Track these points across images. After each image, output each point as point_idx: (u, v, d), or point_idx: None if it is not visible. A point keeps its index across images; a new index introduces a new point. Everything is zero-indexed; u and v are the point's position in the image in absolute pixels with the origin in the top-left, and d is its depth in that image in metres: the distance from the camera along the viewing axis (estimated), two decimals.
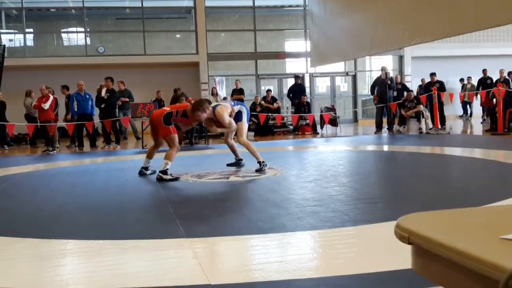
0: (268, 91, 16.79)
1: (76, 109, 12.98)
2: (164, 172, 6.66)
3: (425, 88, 14.88)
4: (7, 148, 13.60)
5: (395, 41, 12.42)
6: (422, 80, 17.20)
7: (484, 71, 16.49)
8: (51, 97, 12.37)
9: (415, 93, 15.54)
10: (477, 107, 18.04)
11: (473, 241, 1.19)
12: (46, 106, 12.14)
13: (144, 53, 19.18)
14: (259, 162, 7.06)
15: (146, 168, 7.34)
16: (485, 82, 16.15)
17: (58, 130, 13.50)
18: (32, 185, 7.23)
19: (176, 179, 6.64)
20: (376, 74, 16.38)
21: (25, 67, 17.85)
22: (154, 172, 7.21)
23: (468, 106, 17.86)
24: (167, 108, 7.19)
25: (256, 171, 6.99)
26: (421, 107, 13.66)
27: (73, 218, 4.65)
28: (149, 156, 7.43)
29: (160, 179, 6.59)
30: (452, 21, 9.88)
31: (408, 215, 1.45)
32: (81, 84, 13.06)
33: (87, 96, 13.09)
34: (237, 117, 7.25)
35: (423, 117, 13.55)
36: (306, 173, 6.95)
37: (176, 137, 6.98)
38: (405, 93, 15.08)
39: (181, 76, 18.87)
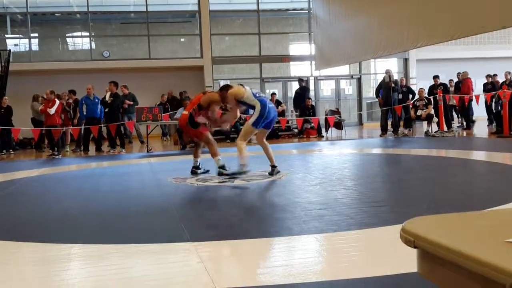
0: (273, 94, 16.78)
1: (85, 113, 13.04)
2: (223, 167, 6.99)
3: (429, 91, 14.86)
4: (12, 152, 13.65)
5: (400, 44, 12.40)
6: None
7: (458, 74, 16.38)
8: (57, 102, 12.43)
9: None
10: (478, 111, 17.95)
11: (478, 245, 1.19)
12: (52, 111, 12.19)
13: (149, 57, 19.23)
14: (242, 165, 6.68)
15: (197, 167, 7.47)
16: (457, 86, 16.06)
17: (65, 134, 13.55)
18: (38, 189, 7.25)
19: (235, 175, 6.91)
20: (381, 77, 16.37)
21: (30, 71, 17.91)
22: (207, 171, 7.36)
23: (453, 110, 17.68)
24: (186, 112, 7.31)
25: (232, 174, 6.75)
26: (432, 109, 13.64)
27: (78, 222, 4.66)
28: (195, 155, 7.58)
29: (221, 174, 6.96)
30: (457, 24, 9.86)
31: (413, 218, 1.44)
32: (89, 88, 13.11)
33: (96, 100, 13.14)
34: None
35: (432, 120, 13.54)
36: (311, 176, 6.94)
37: (208, 134, 7.23)
38: (410, 96, 15.08)
39: (185, 79, 18.90)
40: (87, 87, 13.17)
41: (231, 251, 3.53)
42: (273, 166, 7.00)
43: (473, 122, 15.80)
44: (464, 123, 15.79)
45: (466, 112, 15.68)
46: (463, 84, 15.32)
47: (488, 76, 16.19)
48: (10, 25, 20.11)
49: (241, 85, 7.11)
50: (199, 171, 7.45)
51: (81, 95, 13.47)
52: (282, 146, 12.83)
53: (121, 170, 8.95)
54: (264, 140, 6.99)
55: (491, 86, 15.90)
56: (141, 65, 19.00)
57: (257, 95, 6.78)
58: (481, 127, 15.78)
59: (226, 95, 6.89)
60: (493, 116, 14.51)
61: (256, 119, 6.66)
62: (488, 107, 16.02)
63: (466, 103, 15.50)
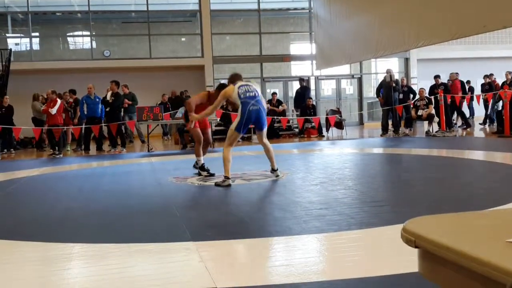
0: (274, 94, 16.79)
1: (86, 112, 13.07)
2: (202, 167, 7.35)
3: (430, 91, 14.85)
4: (13, 151, 13.65)
5: (401, 44, 12.40)
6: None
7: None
8: (59, 102, 12.44)
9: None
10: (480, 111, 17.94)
11: (480, 245, 1.19)
12: (54, 111, 12.21)
13: (150, 56, 19.24)
14: (225, 177, 6.26)
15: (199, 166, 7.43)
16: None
17: (66, 133, 13.55)
18: (39, 188, 7.25)
19: (212, 174, 7.21)
20: (382, 76, 16.38)
21: (31, 71, 17.92)
22: (212, 174, 7.25)
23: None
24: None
25: (216, 184, 6.31)
26: (433, 109, 13.63)
27: (79, 222, 4.66)
28: (202, 153, 7.53)
29: (199, 173, 7.40)
30: (458, 23, 9.85)
31: (414, 218, 1.44)
32: (90, 87, 13.13)
33: (97, 99, 13.16)
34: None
35: (433, 120, 13.52)
36: (312, 176, 6.94)
37: (196, 131, 7.35)
38: (411, 96, 15.07)
39: (186, 79, 18.91)
40: (88, 86, 13.19)
41: (231, 251, 3.53)
42: (273, 170, 6.77)
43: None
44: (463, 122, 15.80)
45: (460, 112, 15.68)
46: (451, 86, 15.32)
47: (485, 76, 16.17)
48: (11, 24, 20.13)
49: (237, 76, 6.72)
50: (203, 173, 7.28)
51: (82, 94, 13.48)
52: (283, 145, 12.83)
53: (122, 169, 8.95)
54: (265, 140, 6.62)
55: (488, 86, 15.85)
56: (142, 65, 19.01)
57: (242, 96, 6.29)
58: (477, 126, 15.78)
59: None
60: (495, 116, 14.49)
61: (237, 123, 6.30)
62: (486, 107, 16.03)
63: (467, 103, 15.50)
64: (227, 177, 6.23)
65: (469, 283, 1.16)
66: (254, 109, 6.28)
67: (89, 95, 13.11)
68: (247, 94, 6.32)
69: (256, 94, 6.40)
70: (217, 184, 6.27)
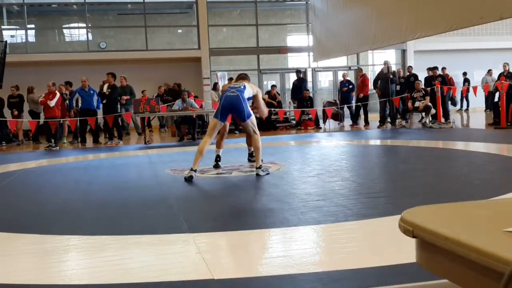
0: (273, 86, 16.75)
1: (80, 105, 13.03)
2: (216, 158, 7.18)
3: (426, 82, 14.83)
4: (4, 144, 13.59)
5: (398, 35, 12.36)
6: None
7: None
8: (58, 94, 12.40)
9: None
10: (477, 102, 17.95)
11: (477, 234, 1.19)
12: (52, 103, 12.17)
13: (146, 48, 19.16)
14: (192, 169, 6.19)
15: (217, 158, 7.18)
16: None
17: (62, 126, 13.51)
18: (35, 181, 7.24)
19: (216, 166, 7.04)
20: (379, 68, 16.36)
21: (27, 63, 17.85)
22: (216, 165, 7.09)
23: None
24: None
25: (185, 179, 6.14)
26: (429, 101, 13.63)
27: (76, 214, 4.66)
28: (218, 146, 7.26)
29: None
30: (455, 15, 9.83)
31: (412, 208, 1.44)
32: (84, 80, 13.09)
33: (91, 92, 13.11)
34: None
35: (429, 111, 13.52)
36: (309, 167, 6.94)
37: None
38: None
39: (183, 71, 18.86)
40: (82, 79, 13.14)
41: (229, 242, 3.53)
42: (256, 167, 6.34)
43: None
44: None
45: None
46: (360, 81, 15.28)
47: (428, 69, 15.87)
48: (7, 16, 20.01)
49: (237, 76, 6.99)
50: (214, 164, 7.11)
51: (78, 86, 13.44)
52: (280, 137, 12.83)
53: (119, 161, 8.94)
54: (252, 134, 6.39)
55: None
56: (138, 57, 18.94)
57: (227, 88, 6.51)
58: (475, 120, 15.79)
59: None
60: (492, 108, 14.49)
61: (216, 110, 6.46)
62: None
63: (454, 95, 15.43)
64: (191, 169, 6.18)
65: (467, 272, 1.16)
66: (230, 95, 6.25)
67: (83, 88, 13.07)
68: (232, 85, 6.54)
69: (242, 87, 6.36)
70: (186, 178, 6.13)
